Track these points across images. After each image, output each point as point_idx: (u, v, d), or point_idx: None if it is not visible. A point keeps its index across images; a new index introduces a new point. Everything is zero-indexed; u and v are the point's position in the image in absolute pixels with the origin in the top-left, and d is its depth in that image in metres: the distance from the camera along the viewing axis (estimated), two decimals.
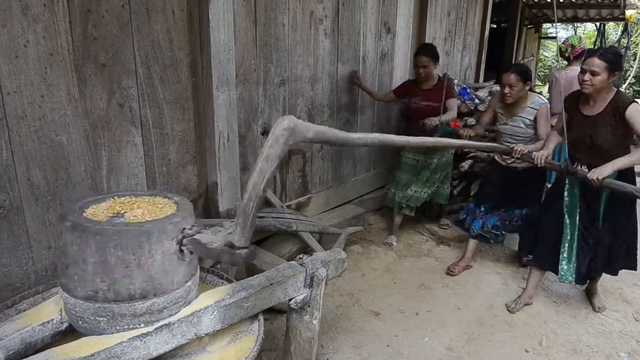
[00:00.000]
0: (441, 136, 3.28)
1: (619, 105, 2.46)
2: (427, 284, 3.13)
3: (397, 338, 2.55)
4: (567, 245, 2.71)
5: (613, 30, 15.33)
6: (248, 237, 1.44)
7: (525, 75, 2.91)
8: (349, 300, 2.89)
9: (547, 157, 2.72)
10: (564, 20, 8.97)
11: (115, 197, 1.62)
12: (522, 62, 8.63)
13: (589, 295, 2.99)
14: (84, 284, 1.36)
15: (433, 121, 3.40)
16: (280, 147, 1.37)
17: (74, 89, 2.06)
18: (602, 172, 2.42)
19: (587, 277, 2.77)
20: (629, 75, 14.98)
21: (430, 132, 3.37)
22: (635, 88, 15.64)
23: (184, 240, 1.43)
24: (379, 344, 2.49)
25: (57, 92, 2.01)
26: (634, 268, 2.77)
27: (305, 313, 1.88)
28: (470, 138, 3.13)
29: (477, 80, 6.18)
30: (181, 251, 1.43)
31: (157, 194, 1.68)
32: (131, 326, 1.39)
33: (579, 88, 2.62)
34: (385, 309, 2.81)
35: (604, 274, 2.82)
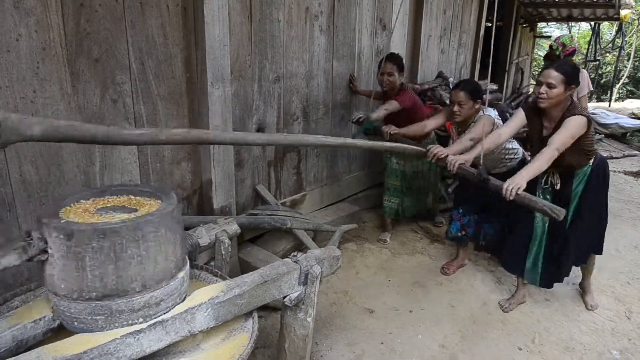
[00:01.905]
0: (364, 131, 3.14)
1: (566, 117, 2.40)
2: (421, 282, 3.14)
3: (391, 335, 2.55)
4: (534, 249, 2.72)
5: (607, 30, 15.41)
6: None
7: (474, 93, 2.81)
8: (343, 298, 2.89)
9: (462, 163, 2.51)
10: (558, 19, 9.00)
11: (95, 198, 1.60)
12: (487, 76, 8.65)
13: (582, 292, 3.02)
14: (77, 285, 1.34)
15: (357, 115, 3.29)
16: None
17: (67, 84, 2.04)
18: (518, 183, 2.24)
19: (552, 281, 2.78)
20: (623, 75, 15.08)
21: (360, 126, 3.24)
22: (629, 88, 15.74)
23: None
24: (373, 342, 2.49)
25: (50, 87, 1.99)
26: (599, 252, 2.82)
27: (299, 310, 1.88)
28: (391, 136, 2.99)
29: (472, 78, 6.20)
30: None
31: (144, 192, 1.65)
32: (130, 322, 1.39)
33: None
34: (379, 307, 2.81)
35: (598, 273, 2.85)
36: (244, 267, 2.78)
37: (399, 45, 4.21)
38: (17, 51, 1.86)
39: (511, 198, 2.23)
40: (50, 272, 1.35)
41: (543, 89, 2.40)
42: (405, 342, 2.50)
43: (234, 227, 2.26)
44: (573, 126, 2.36)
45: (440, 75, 5.09)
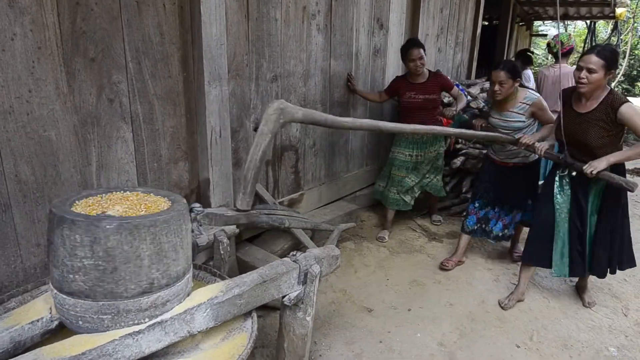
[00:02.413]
0: (458, 126, 3.34)
1: (612, 104, 2.45)
2: (419, 280, 3.14)
3: (389, 334, 2.55)
4: (560, 240, 2.73)
5: (603, 29, 15.46)
6: (250, 200, 1.83)
7: (514, 72, 2.91)
8: (342, 297, 2.89)
9: (547, 149, 2.74)
10: (554, 18, 9.02)
11: (104, 194, 1.59)
12: (512, 58, 8.69)
13: (579, 290, 3.02)
14: (86, 282, 1.32)
15: (451, 110, 3.52)
16: (272, 123, 1.69)
17: (63, 83, 2.02)
18: (598, 165, 2.44)
19: (579, 273, 2.79)
20: (619, 74, 15.13)
21: (448, 122, 3.48)
22: (625, 86, 15.81)
23: (198, 217, 1.74)
24: (372, 340, 2.49)
25: (45, 87, 1.97)
26: (633, 265, 2.79)
27: (298, 310, 1.88)
28: (482, 128, 3.15)
29: (469, 77, 6.20)
30: (200, 224, 1.74)
31: (150, 191, 1.66)
32: (136, 321, 1.38)
33: (567, 85, 2.63)
34: (377, 305, 2.81)
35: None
36: (243, 267, 2.77)
37: (396, 44, 4.21)
38: (12, 50, 1.84)
39: (592, 176, 2.46)
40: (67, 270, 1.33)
41: (583, 73, 2.44)
42: (404, 341, 2.50)
43: (232, 227, 2.25)
44: (636, 115, 2.42)
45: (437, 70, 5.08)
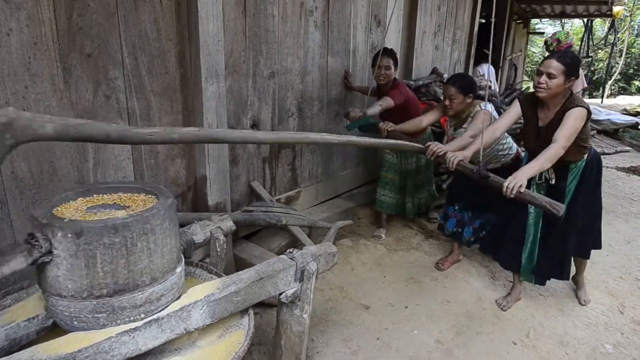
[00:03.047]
0: (360, 127, 3.12)
1: (566, 108, 2.38)
2: (417, 278, 3.14)
3: (386, 331, 2.55)
4: (529, 245, 2.73)
5: (600, 27, 15.49)
6: None
7: (466, 88, 2.83)
8: (339, 294, 2.89)
9: (461, 160, 2.48)
10: (551, 15, 9.03)
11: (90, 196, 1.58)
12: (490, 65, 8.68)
13: (575, 287, 3.03)
14: (86, 284, 1.31)
15: (356, 111, 3.24)
16: None
17: (59, 79, 2.01)
18: (520, 179, 2.18)
19: (546, 277, 2.78)
20: (615, 72, 15.17)
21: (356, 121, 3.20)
22: (621, 84, 15.85)
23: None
24: (369, 337, 2.49)
25: (42, 83, 1.96)
26: (599, 247, 2.84)
27: (295, 307, 1.87)
28: (389, 133, 2.99)
29: (466, 74, 6.20)
30: None
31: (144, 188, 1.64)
32: (132, 318, 1.38)
33: None
34: (374, 303, 2.82)
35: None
36: (239, 264, 2.77)
37: (393, 41, 4.21)
38: (8, 46, 1.83)
39: (512, 196, 2.17)
40: (55, 274, 1.31)
41: (543, 78, 2.36)
42: (401, 338, 2.50)
43: (228, 224, 2.25)
44: (576, 119, 2.33)
45: (434, 71, 5.09)
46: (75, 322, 1.35)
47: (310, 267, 1.82)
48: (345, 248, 3.49)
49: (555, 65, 2.33)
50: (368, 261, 3.35)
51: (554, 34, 4.35)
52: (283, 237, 3.12)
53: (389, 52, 3.36)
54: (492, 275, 3.22)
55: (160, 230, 1.40)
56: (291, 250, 1.88)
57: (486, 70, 5.08)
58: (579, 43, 10.79)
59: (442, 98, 3.96)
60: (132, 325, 1.36)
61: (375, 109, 3.23)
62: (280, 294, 1.81)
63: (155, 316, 1.41)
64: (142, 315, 1.40)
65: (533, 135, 2.58)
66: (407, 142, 2.71)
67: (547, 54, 4.44)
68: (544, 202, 2.14)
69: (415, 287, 3.04)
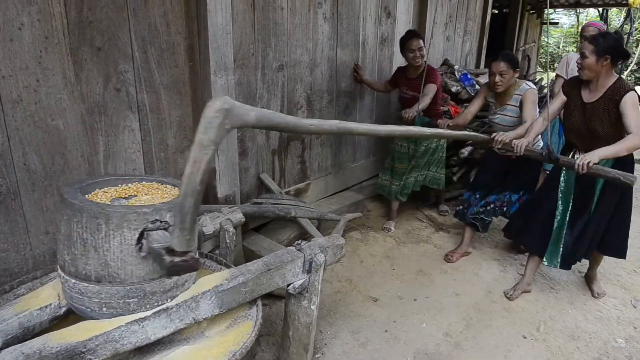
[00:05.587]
0: (420, 125, 3.20)
1: (616, 92, 2.43)
2: (426, 270, 3.14)
3: (395, 324, 2.56)
4: (556, 230, 2.71)
5: (616, 17, 15.17)
6: (190, 240, 1.27)
7: (514, 63, 2.89)
8: (348, 286, 2.90)
9: (527, 145, 2.62)
10: (566, 5, 8.86)
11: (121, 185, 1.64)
12: (523, 47, 8.56)
13: (588, 281, 3.01)
14: (115, 268, 1.34)
15: (411, 113, 3.28)
16: (214, 131, 1.17)
17: (70, 73, 2.03)
18: (591, 158, 2.33)
19: (571, 262, 2.76)
20: (632, 62, 14.87)
21: (411, 123, 3.27)
22: (638, 75, 15.54)
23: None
24: (377, 330, 2.50)
25: (53, 76, 1.98)
26: (623, 257, 2.77)
27: (303, 298, 1.89)
28: (448, 128, 3.09)
29: (478, 66, 6.13)
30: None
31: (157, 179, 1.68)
32: (160, 302, 1.42)
33: None
34: (383, 295, 2.82)
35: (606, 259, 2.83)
36: (249, 256, 2.79)
37: (403, 32, 4.16)
38: (20, 40, 1.86)
39: (583, 172, 2.33)
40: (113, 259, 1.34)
41: (579, 59, 2.50)
42: (410, 330, 2.51)
43: (238, 216, 2.27)
44: (634, 105, 2.39)
45: (445, 62, 5.04)
46: (105, 309, 1.37)
47: (318, 258, 1.83)
48: (354, 240, 3.50)
49: (586, 46, 2.46)
50: (377, 253, 3.35)
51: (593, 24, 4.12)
52: (292, 230, 3.13)
53: (416, 34, 3.46)
54: (502, 269, 3.20)
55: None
56: (299, 242, 1.89)
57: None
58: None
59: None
60: (142, 314, 1.39)
61: (426, 101, 3.32)
62: (288, 285, 1.82)
63: (164, 306, 1.43)
64: (169, 300, 1.44)
65: (578, 112, 2.60)
66: (474, 133, 2.88)
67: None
68: (617, 174, 2.29)
69: (425, 279, 3.03)
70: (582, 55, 2.47)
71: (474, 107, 3.22)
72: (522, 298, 2.84)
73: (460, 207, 3.33)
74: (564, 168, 2.66)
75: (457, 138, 3.13)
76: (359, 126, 1.87)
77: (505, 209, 3.22)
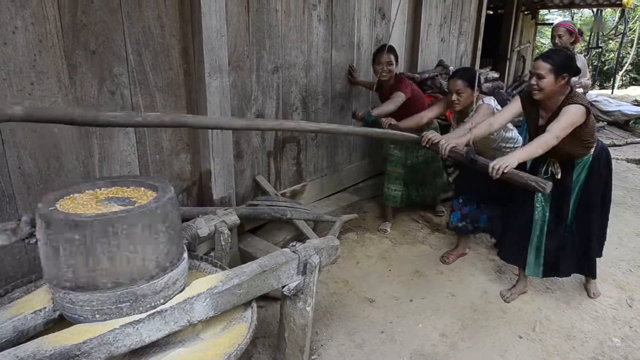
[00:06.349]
0: (367, 125, 3.18)
1: (564, 106, 2.36)
2: (422, 271, 3.14)
3: (391, 324, 2.56)
4: (535, 239, 2.71)
5: (610, 17, 15.24)
6: None
7: (472, 81, 2.79)
8: (344, 288, 2.90)
9: (453, 147, 2.52)
10: (560, 6, 8.90)
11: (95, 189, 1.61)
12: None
13: (584, 281, 3.01)
14: (103, 276, 1.34)
15: (361, 112, 3.29)
16: None
17: (65, 76, 2.04)
18: (507, 162, 2.21)
19: (553, 270, 2.75)
20: (626, 62, 14.93)
21: (361, 121, 3.28)
22: (632, 75, 15.59)
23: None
24: (373, 331, 2.50)
25: (47, 80, 1.98)
26: (599, 256, 2.80)
27: (298, 300, 1.89)
28: (391, 126, 3.04)
29: (472, 67, 6.14)
30: None
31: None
32: (152, 304, 1.42)
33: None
34: (379, 296, 2.82)
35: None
36: (245, 258, 2.79)
37: (398, 34, 4.18)
38: (14, 44, 1.86)
39: (497, 176, 2.21)
40: (92, 267, 1.34)
41: (534, 80, 2.37)
42: (406, 331, 2.51)
43: (233, 218, 2.27)
44: (571, 114, 2.32)
45: (440, 64, 5.05)
46: (98, 315, 1.37)
47: (312, 260, 1.83)
48: (350, 242, 3.50)
49: (542, 65, 2.33)
50: (373, 255, 3.35)
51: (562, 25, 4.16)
52: (288, 231, 3.13)
53: (389, 48, 3.35)
54: (498, 269, 3.21)
55: (172, 218, 1.47)
56: (294, 244, 1.89)
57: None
58: (589, 34, 10.63)
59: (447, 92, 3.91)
60: (136, 317, 1.39)
61: (386, 107, 3.23)
62: (284, 287, 1.82)
63: (158, 308, 1.43)
64: (162, 300, 1.44)
65: (533, 132, 2.57)
66: (403, 133, 2.76)
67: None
68: (530, 180, 2.14)
69: (421, 280, 3.04)
70: (538, 76, 2.33)
71: (431, 114, 3.13)
72: (517, 298, 2.85)
73: (449, 215, 3.32)
74: (543, 175, 2.60)
75: (386, 138, 3.11)
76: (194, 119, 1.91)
77: (476, 224, 3.19)
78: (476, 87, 2.85)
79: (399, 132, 2.80)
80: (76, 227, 1.30)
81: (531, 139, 2.59)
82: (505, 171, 2.19)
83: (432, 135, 2.64)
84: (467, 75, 2.84)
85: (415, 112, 3.24)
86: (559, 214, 2.64)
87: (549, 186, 2.13)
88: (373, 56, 3.47)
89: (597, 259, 2.82)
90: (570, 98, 2.38)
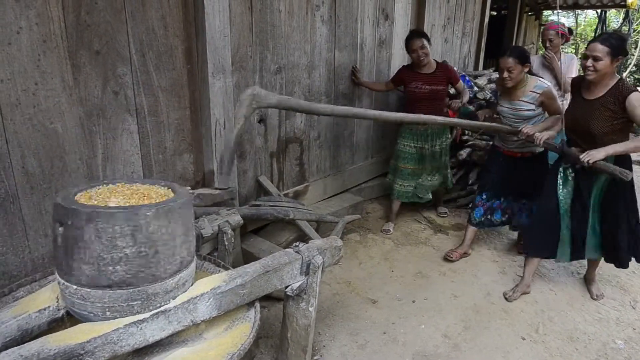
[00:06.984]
0: (463, 117, 3.36)
1: (620, 92, 2.44)
2: (424, 272, 3.14)
3: (393, 325, 2.56)
4: (564, 231, 2.73)
5: (614, 18, 15.20)
6: (227, 179, 2.11)
7: (523, 58, 2.85)
8: (346, 288, 2.90)
9: (547, 138, 2.73)
10: (564, 7, 8.88)
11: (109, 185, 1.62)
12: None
13: (587, 283, 3.01)
14: (119, 271, 1.34)
15: (457, 103, 3.58)
16: (244, 107, 1.84)
17: (68, 76, 2.04)
18: (595, 155, 2.41)
19: (579, 256, 2.79)
20: (630, 63, 14.89)
21: (454, 114, 3.52)
22: (636, 76, 15.55)
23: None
24: (376, 331, 2.50)
25: (51, 80, 1.99)
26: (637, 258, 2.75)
27: (301, 300, 1.89)
28: (485, 119, 3.16)
29: (476, 67, 6.14)
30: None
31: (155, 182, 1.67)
32: (162, 303, 1.43)
33: (571, 74, 2.59)
34: (382, 297, 2.82)
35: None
36: (247, 258, 2.79)
37: (401, 35, 4.17)
38: (18, 44, 1.86)
39: (588, 165, 2.44)
40: (111, 262, 1.34)
41: (589, 62, 2.45)
42: (408, 332, 2.51)
43: (236, 218, 2.27)
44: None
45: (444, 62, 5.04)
46: (109, 313, 1.37)
47: (316, 260, 1.83)
48: (353, 242, 3.50)
49: (600, 48, 2.42)
50: (376, 255, 3.35)
51: (554, 26, 4.12)
52: (291, 232, 3.13)
53: (418, 33, 3.53)
54: (501, 270, 3.20)
55: (188, 217, 1.49)
56: (297, 244, 1.89)
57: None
58: (593, 34, 10.60)
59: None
60: (140, 316, 1.39)
61: (467, 96, 3.69)
62: (286, 287, 1.82)
63: (162, 308, 1.43)
64: (171, 301, 1.45)
65: (577, 111, 2.62)
66: (504, 126, 3.03)
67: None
68: (615, 170, 2.42)
69: (423, 281, 3.04)
70: (595, 58, 2.42)
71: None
72: (520, 299, 2.85)
73: (470, 211, 3.34)
74: (560, 172, 2.71)
75: (487, 129, 3.26)
76: (367, 112, 2.33)
77: (507, 216, 3.25)
78: (527, 64, 2.90)
79: (500, 125, 3.04)
80: (99, 218, 1.30)
81: (573, 117, 2.65)
82: (592, 162, 2.42)
83: (528, 128, 2.83)
84: (517, 52, 2.88)
85: (442, 100, 3.59)
86: (583, 207, 2.69)
87: (630, 175, 2.42)
88: (405, 44, 3.60)
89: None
90: (623, 83, 2.48)
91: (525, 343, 2.47)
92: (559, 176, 2.72)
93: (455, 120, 3.20)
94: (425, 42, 3.45)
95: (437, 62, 3.60)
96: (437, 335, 2.50)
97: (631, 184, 2.61)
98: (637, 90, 2.43)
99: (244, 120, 1.83)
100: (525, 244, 2.99)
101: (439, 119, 2.88)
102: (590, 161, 2.41)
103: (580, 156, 2.46)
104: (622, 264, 2.75)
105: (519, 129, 2.88)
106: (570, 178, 2.70)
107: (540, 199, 2.87)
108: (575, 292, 2.96)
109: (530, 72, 2.99)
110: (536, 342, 2.48)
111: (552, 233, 2.76)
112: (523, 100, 2.95)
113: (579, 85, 2.66)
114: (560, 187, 2.72)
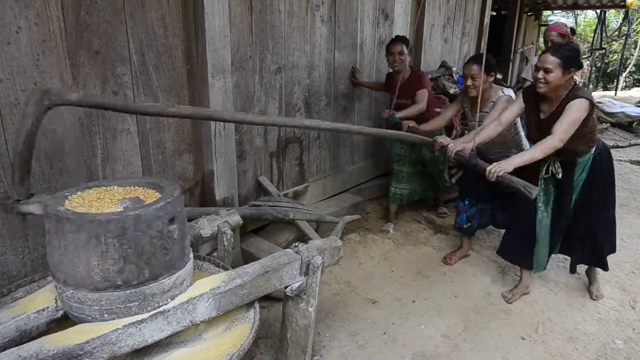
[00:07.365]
0: (391, 127, 3.25)
1: (569, 100, 2.37)
2: (424, 272, 3.14)
3: (393, 325, 2.56)
4: (541, 242, 2.72)
5: (614, 18, 15.21)
6: (20, 189, 1.62)
7: (487, 66, 2.79)
8: (346, 288, 2.90)
9: (459, 150, 2.62)
10: (564, 7, 8.89)
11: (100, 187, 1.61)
12: (521, 49, 8.57)
13: (587, 283, 3.00)
14: (113, 274, 1.34)
15: (386, 112, 3.37)
16: (32, 106, 1.53)
17: (68, 76, 2.04)
18: (505, 168, 2.34)
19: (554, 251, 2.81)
20: (630, 64, 14.89)
21: (386, 122, 3.35)
22: (636, 76, 15.55)
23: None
24: (376, 332, 2.50)
25: (51, 80, 1.99)
26: (612, 251, 2.82)
27: (301, 300, 1.89)
28: (409, 128, 3.09)
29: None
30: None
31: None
32: (160, 303, 1.43)
33: None
34: (382, 297, 2.82)
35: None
36: (247, 258, 2.79)
37: (401, 34, 4.17)
38: (18, 43, 1.86)
39: (493, 179, 2.36)
40: (105, 265, 1.34)
41: (540, 74, 2.38)
42: (408, 332, 2.50)
43: (236, 218, 2.27)
44: (576, 110, 2.33)
45: (443, 65, 5.04)
46: (106, 315, 1.37)
47: (315, 260, 1.83)
48: (352, 243, 3.50)
49: (551, 60, 2.35)
50: (375, 256, 3.35)
51: (556, 27, 4.11)
52: (290, 232, 3.13)
53: (400, 38, 3.43)
54: (501, 270, 3.20)
55: (181, 218, 1.49)
56: (297, 244, 1.89)
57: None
58: (592, 35, 10.61)
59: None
60: (139, 317, 1.39)
61: (415, 109, 3.32)
62: (286, 287, 1.82)
63: (161, 308, 1.43)
64: (169, 300, 1.45)
65: (535, 127, 2.59)
66: (418, 136, 2.96)
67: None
68: (519, 185, 2.31)
69: (423, 281, 3.03)
70: (546, 70, 2.34)
71: (449, 113, 3.18)
72: (520, 300, 2.84)
73: (455, 217, 3.31)
74: (540, 178, 2.63)
75: (405, 140, 3.20)
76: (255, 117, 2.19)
77: (490, 217, 3.21)
78: (492, 72, 2.86)
79: (415, 136, 2.95)
80: (91, 225, 1.30)
81: (531, 133, 2.61)
82: (499, 175, 2.34)
83: (442, 138, 2.78)
84: (481, 59, 2.82)
85: (428, 110, 3.39)
86: (560, 213, 2.65)
87: (535, 191, 2.28)
88: (386, 49, 3.51)
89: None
90: (574, 92, 2.39)
91: (525, 343, 2.47)
92: (539, 183, 2.64)
93: (368, 129, 2.95)
94: (405, 49, 3.36)
95: (412, 71, 3.49)
96: (437, 335, 2.49)
97: (611, 177, 2.66)
98: (585, 98, 2.35)
99: (33, 119, 1.52)
100: (501, 247, 2.95)
101: (343, 126, 2.77)
102: (495, 175, 2.33)
103: (487, 168, 2.37)
104: (605, 265, 2.79)
105: (434, 138, 2.81)
106: (551, 186, 2.64)
107: (516, 206, 2.81)
108: (574, 292, 2.96)
109: (498, 83, 2.94)
110: (536, 342, 2.48)
111: (526, 242, 2.74)
112: (487, 112, 2.90)
113: (535, 98, 2.55)
114: (541, 195, 2.65)
